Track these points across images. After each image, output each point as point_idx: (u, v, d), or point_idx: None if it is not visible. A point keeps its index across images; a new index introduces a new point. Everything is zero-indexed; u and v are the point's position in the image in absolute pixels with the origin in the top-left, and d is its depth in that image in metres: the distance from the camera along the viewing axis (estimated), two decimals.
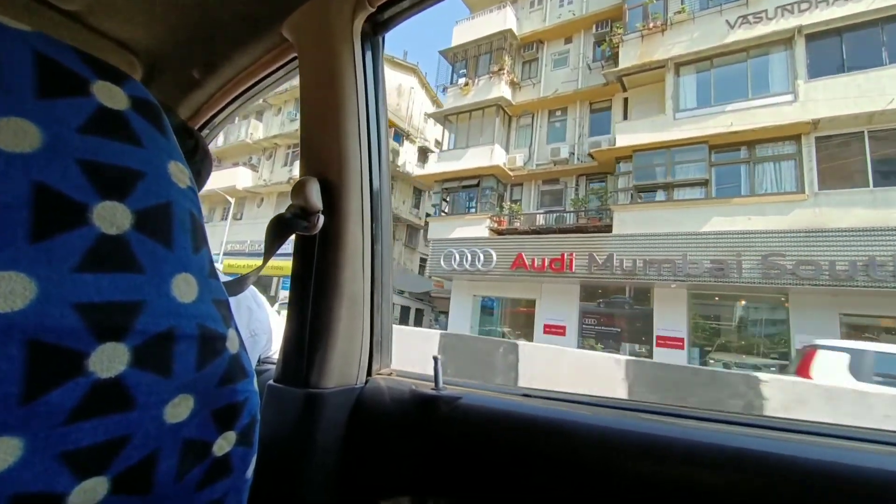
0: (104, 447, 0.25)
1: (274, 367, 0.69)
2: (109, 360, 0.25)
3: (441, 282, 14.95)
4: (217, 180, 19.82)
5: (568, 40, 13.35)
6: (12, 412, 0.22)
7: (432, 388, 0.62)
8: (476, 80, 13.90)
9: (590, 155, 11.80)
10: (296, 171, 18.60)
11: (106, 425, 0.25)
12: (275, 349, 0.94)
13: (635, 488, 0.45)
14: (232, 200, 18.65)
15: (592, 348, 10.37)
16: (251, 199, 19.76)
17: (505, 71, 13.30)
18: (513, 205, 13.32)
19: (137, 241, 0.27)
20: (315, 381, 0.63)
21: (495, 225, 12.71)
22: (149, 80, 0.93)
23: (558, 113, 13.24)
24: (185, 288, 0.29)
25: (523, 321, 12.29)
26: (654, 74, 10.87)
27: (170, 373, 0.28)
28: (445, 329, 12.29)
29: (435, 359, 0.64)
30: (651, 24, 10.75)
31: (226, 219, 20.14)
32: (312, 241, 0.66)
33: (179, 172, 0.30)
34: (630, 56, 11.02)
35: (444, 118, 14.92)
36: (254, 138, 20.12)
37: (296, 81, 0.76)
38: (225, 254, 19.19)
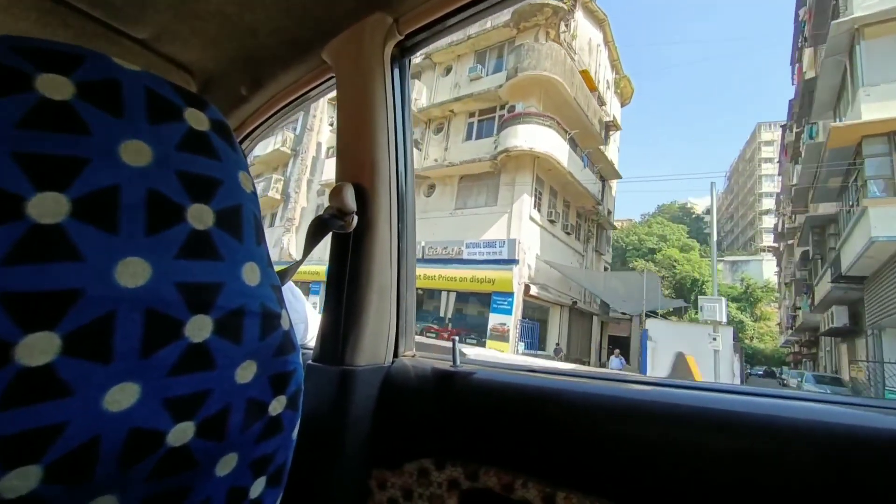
0: (193, 398, 0.31)
1: (311, 351, 0.75)
2: (199, 328, 0.31)
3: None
4: None
5: None
6: (136, 363, 0.28)
7: (451, 366, 0.69)
8: None
9: None
10: (485, 146, 13.40)
11: (195, 380, 0.31)
12: (310, 336, 1.05)
13: (621, 445, 0.51)
14: None
15: None
16: (416, 184, 14.66)
17: None
18: None
19: (218, 236, 0.33)
20: (349, 359, 0.70)
21: None
22: (202, 95, 1.00)
23: None
24: (251, 274, 0.36)
25: None
26: None
27: (240, 341, 0.34)
28: None
29: (453, 340, 0.73)
30: None
31: None
32: (347, 239, 0.73)
33: (246, 180, 0.38)
34: None
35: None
36: (419, 105, 15.10)
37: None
38: None
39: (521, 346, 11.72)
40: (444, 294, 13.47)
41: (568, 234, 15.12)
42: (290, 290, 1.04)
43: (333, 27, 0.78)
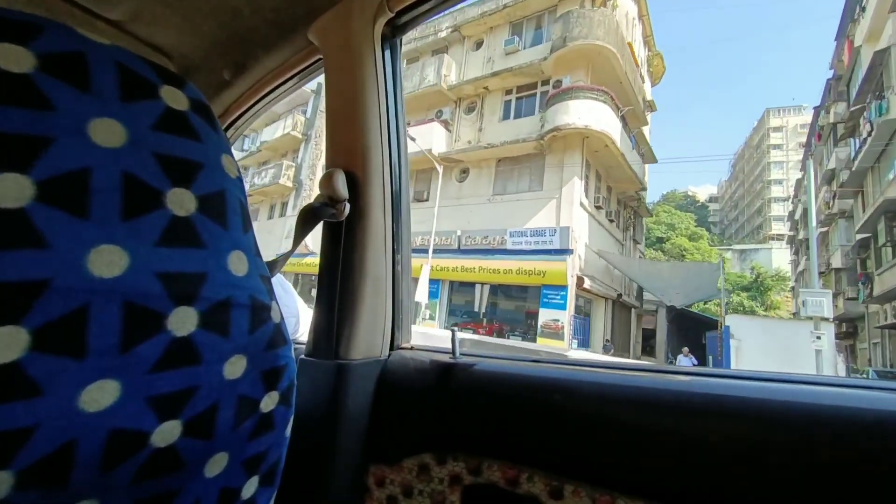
0: (179, 395, 0.29)
1: (303, 346, 0.73)
2: (183, 321, 0.29)
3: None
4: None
5: None
6: (114, 359, 0.26)
7: (450, 357, 0.67)
8: None
9: None
10: (526, 125, 12.24)
11: (180, 376, 0.29)
12: (302, 331, 1.04)
13: (632, 435, 0.49)
14: (440, 168, 12.41)
15: None
16: (447, 169, 13.43)
17: None
18: None
19: (201, 222, 0.31)
20: (343, 353, 0.67)
21: None
22: None
23: None
24: (238, 263, 0.34)
25: None
26: None
27: (228, 335, 0.32)
28: None
29: (452, 331, 0.69)
30: None
31: (426, 198, 14.00)
32: (339, 228, 0.70)
33: (230, 164, 0.35)
34: None
35: None
36: (448, 82, 13.84)
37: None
38: (415, 250, 13.16)
39: (575, 343, 10.73)
40: (477, 287, 12.42)
41: (611, 221, 14.09)
42: (280, 284, 1.03)
43: (319, 5, 0.75)
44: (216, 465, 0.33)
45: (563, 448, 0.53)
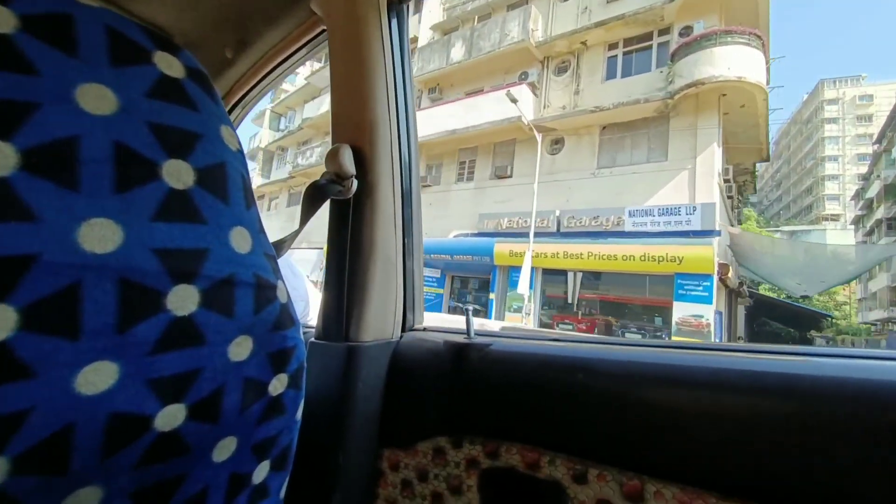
0: (182, 378, 0.28)
1: (313, 330, 0.71)
2: (183, 299, 0.28)
3: None
4: (475, 109, 11.63)
5: None
6: (111, 339, 0.25)
7: (464, 338, 0.65)
8: None
9: None
10: (640, 84, 10.22)
11: (183, 358, 0.28)
12: (312, 316, 1.01)
13: (661, 415, 0.46)
14: (540, 137, 10.49)
15: None
16: (528, 142, 11.44)
17: None
18: None
19: (200, 196, 0.30)
20: (354, 335, 0.66)
21: None
22: None
23: None
24: (240, 240, 0.32)
25: None
26: None
27: (232, 314, 0.31)
28: None
29: (466, 310, 0.68)
30: None
31: (509, 174, 12.01)
32: (347, 206, 0.68)
33: (230, 136, 0.34)
34: None
35: None
36: (535, 39, 11.82)
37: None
38: (500, 234, 11.33)
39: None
40: (569, 275, 10.65)
41: (729, 197, 12.08)
42: (289, 267, 1.02)
43: None
44: (224, 449, 0.32)
45: (587, 430, 0.51)
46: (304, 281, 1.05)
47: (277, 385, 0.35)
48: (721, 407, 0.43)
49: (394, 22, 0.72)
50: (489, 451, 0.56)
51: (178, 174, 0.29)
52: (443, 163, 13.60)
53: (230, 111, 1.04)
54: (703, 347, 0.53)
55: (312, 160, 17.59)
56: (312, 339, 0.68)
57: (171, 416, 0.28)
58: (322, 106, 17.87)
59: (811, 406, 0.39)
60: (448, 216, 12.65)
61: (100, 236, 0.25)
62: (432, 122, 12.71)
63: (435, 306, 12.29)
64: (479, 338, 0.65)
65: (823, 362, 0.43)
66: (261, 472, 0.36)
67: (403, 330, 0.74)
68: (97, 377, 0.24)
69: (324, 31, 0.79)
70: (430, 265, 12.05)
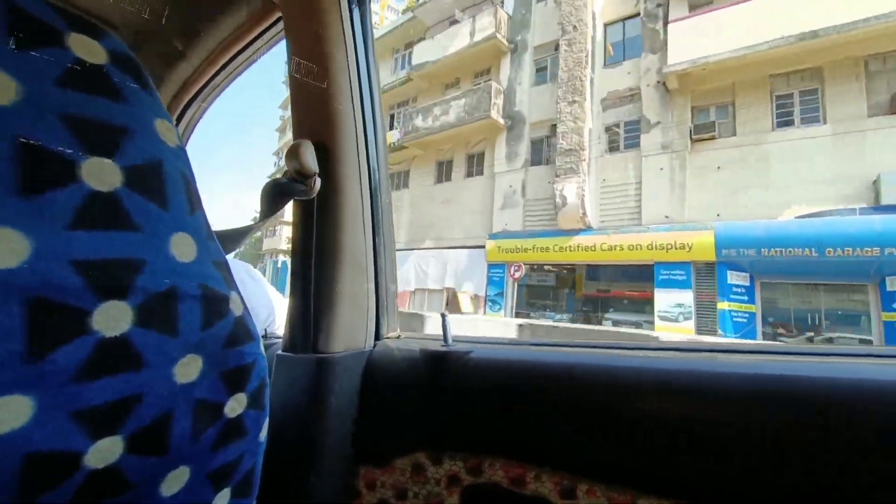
0: (116, 406, 0.26)
1: (280, 340, 0.69)
2: (113, 318, 0.25)
3: None
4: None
5: None
6: (18, 370, 0.22)
7: (442, 345, 0.63)
8: None
9: None
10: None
11: (116, 384, 0.26)
12: (279, 324, 0.96)
13: (653, 425, 0.45)
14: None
15: None
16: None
17: None
18: None
19: (130, 199, 0.27)
20: (323, 346, 0.63)
21: None
22: None
23: None
24: (183, 248, 0.29)
25: None
26: None
27: (175, 332, 0.28)
28: None
29: (443, 315, 0.65)
30: None
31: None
32: (311, 206, 0.65)
33: (167, 131, 0.30)
34: None
35: None
36: None
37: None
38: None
39: None
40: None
41: None
42: (247, 271, 0.97)
43: None
44: (175, 481, 0.29)
45: (575, 443, 0.49)
46: (264, 286, 0.99)
47: (235, 406, 0.33)
48: (716, 414, 0.41)
49: (356, 10, 0.68)
50: (471, 467, 0.54)
51: (100, 175, 0.25)
52: (735, 100, 8.40)
53: (186, 106, 0.97)
54: (697, 349, 0.52)
55: (452, 118, 11.92)
56: (279, 352, 0.65)
57: (104, 451, 0.25)
58: (455, 40, 12.38)
59: (813, 412, 0.37)
60: (769, 185, 7.79)
61: (1, 250, 0.22)
62: (720, 31, 8.08)
63: (749, 333, 7.48)
64: (458, 344, 0.63)
65: (823, 362, 0.41)
66: (220, 502, 0.33)
67: (377, 338, 0.70)
68: (7, 415, 0.22)
69: (279, 18, 0.76)
70: (735, 267, 7.64)
